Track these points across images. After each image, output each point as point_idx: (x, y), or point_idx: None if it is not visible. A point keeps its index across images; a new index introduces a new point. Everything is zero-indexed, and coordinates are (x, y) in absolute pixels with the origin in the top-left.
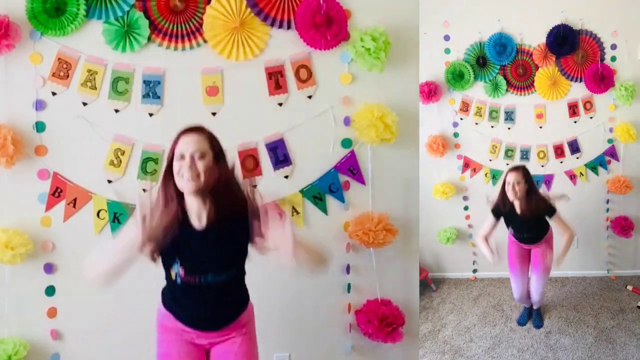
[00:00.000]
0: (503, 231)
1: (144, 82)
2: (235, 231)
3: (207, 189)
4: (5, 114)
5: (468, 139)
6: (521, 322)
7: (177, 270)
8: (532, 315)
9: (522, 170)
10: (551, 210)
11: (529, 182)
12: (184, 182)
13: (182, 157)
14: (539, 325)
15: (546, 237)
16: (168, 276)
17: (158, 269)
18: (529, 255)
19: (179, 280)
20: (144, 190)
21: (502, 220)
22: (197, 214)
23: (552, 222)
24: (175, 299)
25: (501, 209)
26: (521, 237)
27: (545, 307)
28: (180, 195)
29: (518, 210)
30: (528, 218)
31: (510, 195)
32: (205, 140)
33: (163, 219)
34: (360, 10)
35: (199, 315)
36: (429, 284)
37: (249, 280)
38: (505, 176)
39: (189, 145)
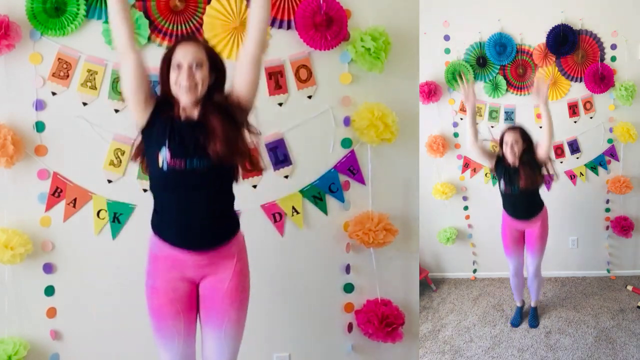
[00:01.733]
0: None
1: None
2: (222, 123)
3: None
4: (5, 114)
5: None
6: (515, 324)
7: (165, 155)
8: (529, 315)
9: (520, 130)
10: (530, 142)
11: (528, 142)
12: (182, 92)
13: (180, 66)
14: (534, 324)
15: (541, 215)
16: (156, 168)
17: None
18: (523, 237)
19: (165, 167)
20: (144, 190)
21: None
22: (189, 113)
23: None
24: (162, 205)
25: (496, 161)
26: (512, 191)
27: (545, 307)
28: (172, 99)
29: (513, 165)
30: (519, 169)
31: (508, 155)
32: (202, 49)
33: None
34: (360, 10)
35: (185, 219)
36: (429, 284)
37: (250, 282)
38: (503, 135)
39: (187, 55)
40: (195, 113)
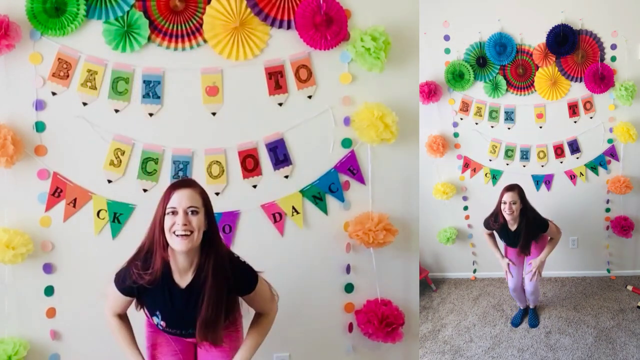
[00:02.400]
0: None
1: (144, 82)
2: (213, 292)
3: (198, 245)
4: (5, 114)
5: (468, 139)
6: (515, 323)
7: (159, 321)
8: (528, 315)
9: (518, 190)
10: (544, 225)
11: (524, 202)
12: (177, 240)
13: (175, 212)
14: (534, 324)
15: (540, 244)
16: (151, 321)
17: None
18: (524, 258)
19: (160, 328)
20: (144, 190)
21: None
22: (182, 271)
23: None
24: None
25: (491, 225)
26: (513, 249)
27: (545, 307)
28: (165, 252)
29: (512, 228)
30: (520, 235)
31: (506, 214)
32: (198, 195)
33: (140, 280)
34: (360, 10)
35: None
36: (429, 284)
37: None
38: (502, 196)
39: (182, 200)
40: (189, 274)
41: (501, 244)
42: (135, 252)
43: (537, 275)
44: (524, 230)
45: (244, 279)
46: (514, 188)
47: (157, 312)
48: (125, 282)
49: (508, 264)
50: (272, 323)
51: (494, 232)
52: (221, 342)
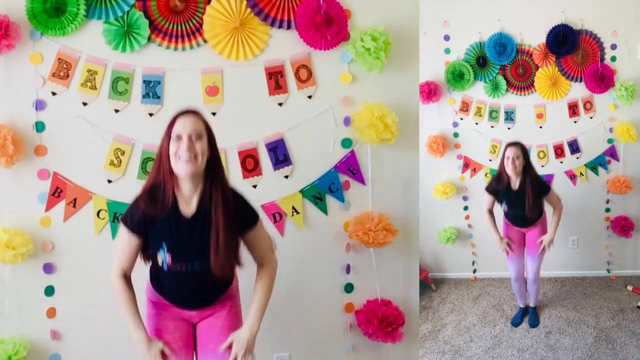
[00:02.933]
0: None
1: (144, 82)
2: (223, 220)
3: (201, 172)
4: (5, 114)
5: (468, 139)
6: (515, 323)
7: (164, 257)
8: (528, 314)
9: (521, 146)
10: (547, 187)
11: (527, 158)
12: (181, 164)
13: (179, 138)
14: (534, 324)
15: (541, 221)
16: (154, 261)
17: None
18: (524, 238)
19: (165, 267)
20: None
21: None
22: (187, 199)
23: (546, 199)
24: (160, 282)
25: (494, 186)
26: (515, 214)
27: (545, 307)
28: (172, 179)
29: (514, 187)
30: (524, 194)
31: (509, 169)
32: (201, 122)
33: (150, 210)
34: (360, 10)
35: (184, 298)
36: (429, 284)
37: (249, 282)
38: (505, 151)
39: (187, 126)
40: (194, 202)
41: (501, 228)
42: (141, 190)
43: (540, 255)
44: (529, 188)
45: (246, 211)
46: (516, 143)
47: (163, 245)
48: (134, 216)
49: (508, 244)
50: (275, 277)
51: (494, 211)
52: (232, 279)
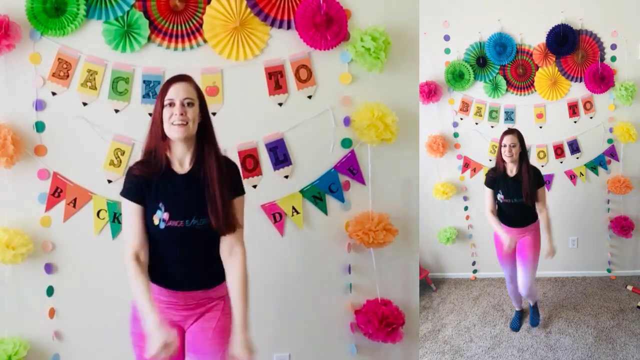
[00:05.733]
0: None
1: (144, 82)
2: (216, 179)
3: (193, 135)
4: (5, 114)
5: (468, 139)
6: (515, 327)
7: (162, 215)
8: (529, 313)
9: (517, 133)
10: (541, 178)
11: (523, 146)
12: (174, 128)
13: (172, 104)
14: (535, 323)
15: (534, 225)
16: (151, 227)
17: None
18: (516, 245)
19: (162, 225)
20: None
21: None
22: (180, 159)
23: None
24: (158, 254)
25: (491, 175)
26: (511, 203)
27: (545, 307)
28: (165, 143)
29: (511, 174)
30: (520, 181)
31: (506, 157)
32: (192, 88)
33: (144, 172)
34: (360, 10)
35: (181, 266)
36: (429, 284)
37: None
38: (502, 139)
39: (179, 92)
40: (187, 162)
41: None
42: (135, 161)
43: (532, 264)
44: (526, 175)
45: (237, 178)
46: (513, 131)
47: (160, 205)
48: (131, 183)
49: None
50: (246, 267)
51: (494, 196)
52: (239, 227)
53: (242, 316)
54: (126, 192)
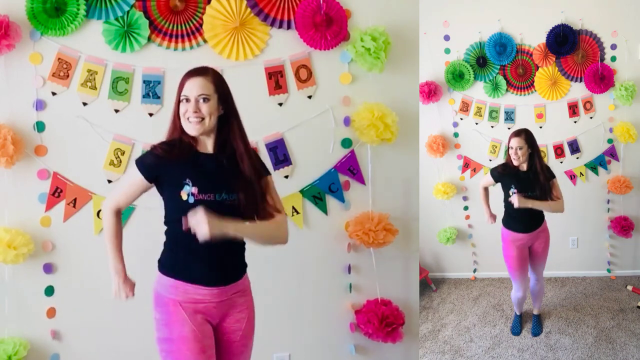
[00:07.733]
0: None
1: (144, 82)
2: (245, 154)
3: (212, 128)
4: (5, 114)
5: (468, 139)
6: (515, 332)
7: (190, 190)
8: (532, 322)
9: (524, 135)
10: (552, 174)
11: (532, 146)
12: (190, 124)
13: (187, 100)
14: (537, 333)
15: (544, 227)
16: (179, 203)
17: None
18: (528, 255)
19: (192, 200)
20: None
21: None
22: (204, 144)
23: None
24: (181, 241)
25: (500, 171)
26: (526, 196)
27: (545, 307)
28: (186, 136)
29: (523, 169)
30: (535, 173)
31: (514, 159)
32: (209, 83)
33: (167, 154)
34: (360, 10)
35: (209, 253)
36: (429, 284)
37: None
38: (509, 141)
39: (193, 89)
40: (210, 144)
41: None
42: (162, 140)
43: (542, 272)
44: (539, 170)
45: (262, 162)
46: (520, 133)
47: (187, 180)
48: (148, 159)
49: (492, 216)
50: (279, 231)
51: (501, 184)
52: (277, 212)
53: (234, 225)
54: (141, 165)
